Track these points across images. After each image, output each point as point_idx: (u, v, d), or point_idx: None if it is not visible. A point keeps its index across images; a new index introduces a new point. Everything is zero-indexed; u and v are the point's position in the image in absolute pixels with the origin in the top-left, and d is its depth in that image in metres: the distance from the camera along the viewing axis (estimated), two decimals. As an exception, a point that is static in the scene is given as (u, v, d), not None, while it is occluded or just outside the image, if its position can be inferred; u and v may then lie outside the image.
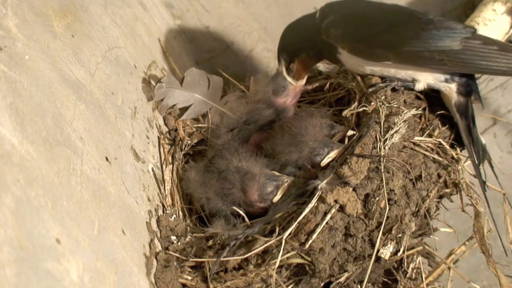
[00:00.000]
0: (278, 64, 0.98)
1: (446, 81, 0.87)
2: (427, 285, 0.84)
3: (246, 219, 0.84)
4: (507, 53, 0.82)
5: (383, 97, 0.87)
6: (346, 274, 0.80)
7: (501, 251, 0.84)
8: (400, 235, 0.81)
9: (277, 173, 0.86)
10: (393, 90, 0.89)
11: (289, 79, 0.95)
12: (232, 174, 0.87)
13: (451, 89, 0.87)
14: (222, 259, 0.79)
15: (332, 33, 0.89)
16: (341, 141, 0.87)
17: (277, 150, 0.89)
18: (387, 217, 0.80)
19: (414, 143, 0.85)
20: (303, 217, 0.79)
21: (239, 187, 0.85)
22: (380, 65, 0.88)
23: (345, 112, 0.90)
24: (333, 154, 0.84)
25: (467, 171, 0.88)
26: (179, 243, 0.84)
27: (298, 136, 0.86)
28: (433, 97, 0.91)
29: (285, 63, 0.95)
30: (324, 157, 0.84)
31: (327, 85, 1.03)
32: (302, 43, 0.95)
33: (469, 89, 0.87)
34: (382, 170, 0.80)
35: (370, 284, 0.83)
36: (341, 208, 0.79)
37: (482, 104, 0.89)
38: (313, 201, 0.79)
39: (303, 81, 0.97)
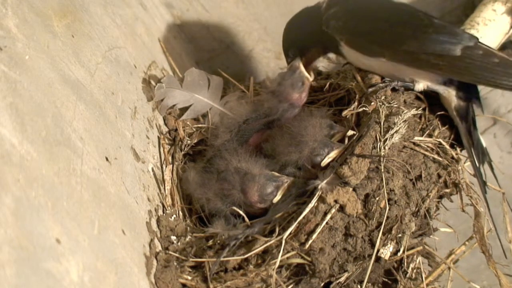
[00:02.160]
0: (287, 59, 0.99)
1: (445, 84, 0.86)
2: (427, 285, 0.85)
3: (246, 219, 0.84)
4: (507, 67, 0.82)
5: (383, 97, 0.87)
6: (346, 274, 0.80)
7: (501, 251, 0.84)
8: (400, 235, 0.81)
9: (276, 174, 0.86)
10: (393, 90, 0.89)
11: (306, 74, 0.96)
12: (232, 175, 0.86)
13: (450, 93, 0.87)
14: (222, 259, 0.79)
15: (332, 25, 0.89)
16: (341, 141, 0.87)
17: (277, 151, 0.89)
18: (387, 217, 0.80)
19: (414, 143, 0.85)
20: (303, 217, 0.79)
21: (239, 188, 0.85)
22: (378, 62, 0.88)
23: (345, 112, 0.90)
24: (333, 154, 0.84)
25: (467, 171, 0.88)
26: (179, 243, 0.84)
27: (298, 136, 0.86)
28: (433, 97, 0.91)
29: (299, 58, 0.96)
30: (324, 157, 0.84)
31: (327, 85, 1.03)
32: (311, 37, 0.95)
33: (469, 94, 0.87)
34: (382, 170, 0.80)
35: (370, 284, 0.83)
36: (341, 208, 0.79)
37: (483, 110, 0.89)
38: (313, 201, 0.79)
39: (313, 76, 0.98)
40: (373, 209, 0.79)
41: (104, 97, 0.82)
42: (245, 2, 1.23)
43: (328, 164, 0.83)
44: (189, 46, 1.29)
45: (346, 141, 0.86)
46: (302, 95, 0.96)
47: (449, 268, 0.86)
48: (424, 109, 0.89)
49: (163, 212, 0.88)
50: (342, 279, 0.80)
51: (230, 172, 0.87)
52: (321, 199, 0.79)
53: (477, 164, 0.85)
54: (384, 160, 0.80)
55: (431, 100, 0.91)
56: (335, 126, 0.88)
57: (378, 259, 0.81)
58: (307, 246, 0.78)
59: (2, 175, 0.53)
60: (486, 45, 0.85)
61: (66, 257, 0.57)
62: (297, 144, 0.86)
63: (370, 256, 0.80)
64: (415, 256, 0.85)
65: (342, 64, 1.05)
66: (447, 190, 0.87)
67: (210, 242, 0.84)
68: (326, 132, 0.87)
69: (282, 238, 0.78)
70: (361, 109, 0.88)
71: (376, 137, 0.82)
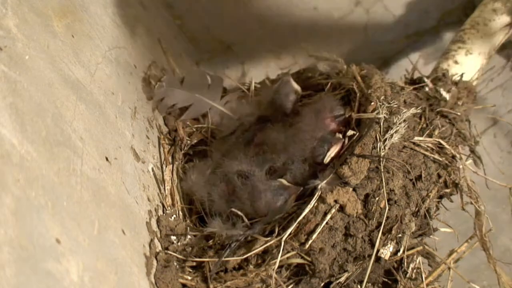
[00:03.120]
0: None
1: None
2: (427, 285, 0.84)
3: (246, 220, 0.84)
4: None
5: (382, 97, 0.87)
6: (346, 274, 0.80)
7: (501, 251, 0.84)
8: (400, 235, 0.81)
9: (284, 183, 0.85)
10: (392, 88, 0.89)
11: (296, 86, 0.98)
12: (237, 179, 0.86)
13: None
14: (223, 259, 0.79)
15: None
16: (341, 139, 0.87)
17: (278, 149, 0.89)
18: (387, 217, 0.80)
19: (414, 143, 0.85)
20: (303, 217, 0.79)
21: (248, 203, 0.85)
22: None
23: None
24: (333, 150, 0.84)
25: (469, 168, 0.88)
26: (179, 243, 0.84)
27: (299, 134, 0.87)
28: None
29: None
30: (326, 155, 0.84)
31: (328, 85, 1.03)
32: None
33: None
34: (382, 170, 0.80)
35: (370, 284, 0.83)
36: (341, 208, 0.79)
37: None
38: (313, 201, 0.79)
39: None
40: (373, 209, 0.79)
41: (104, 97, 0.82)
42: (245, 2, 1.23)
43: (331, 161, 0.83)
44: (189, 46, 1.30)
45: (346, 141, 0.86)
46: (294, 105, 0.99)
47: (449, 268, 0.85)
48: (424, 109, 0.89)
49: (163, 212, 0.88)
50: (342, 279, 0.80)
51: (234, 174, 0.87)
52: (321, 199, 0.79)
53: None
54: (384, 160, 0.80)
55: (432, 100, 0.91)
56: (329, 139, 0.88)
57: (378, 259, 0.81)
58: (307, 246, 0.78)
59: (2, 175, 0.53)
60: None
61: (66, 257, 0.57)
62: (298, 142, 0.86)
63: (370, 256, 0.80)
64: (415, 256, 0.85)
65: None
66: (447, 190, 0.87)
67: (210, 242, 0.84)
68: (320, 152, 0.87)
69: (282, 238, 0.78)
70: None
71: (376, 137, 0.82)
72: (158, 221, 0.85)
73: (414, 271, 0.85)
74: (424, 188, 0.84)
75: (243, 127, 0.97)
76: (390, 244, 0.81)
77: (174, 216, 0.87)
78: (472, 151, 0.91)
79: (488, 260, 0.82)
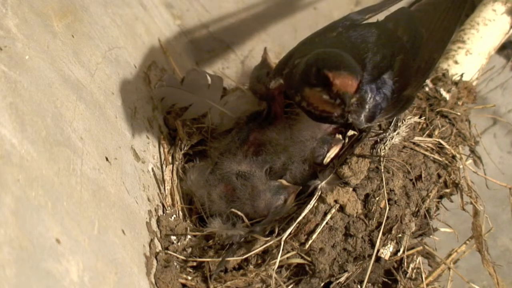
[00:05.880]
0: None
1: None
2: (427, 285, 0.84)
3: (246, 220, 0.84)
4: None
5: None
6: (346, 274, 0.80)
7: (501, 251, 0.84)
8: (400, 235, 0.81)
9: (284, 183, 0.85)
10: None
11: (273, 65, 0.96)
12: (236, 179, 0.86)
13: None
14: (227, 258, 0.79)
15: None
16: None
17: (278, 150, 0.89)
18: (387, 217, 0.80)
19: (414, 143, 0.85)
20: (303, 217, 0.79)
21: (248, 204, 0.85)
22: None
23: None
24: (333, 151, 0.84)
25: (469, 168, 0.88)
26: (179, 243, 0.84)
27: (299, 135, 0.86)
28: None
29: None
30: (325, 155, 0.84)
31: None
32: None
33: None
34: (382, 170, 0.80)
35: (370, 284, 0.83)
36: (341, 208, 0.79)
37: None
38: (313, 201, 0.79)
39: None
40: (373, 209, 0.79)
41: (104, 97, 0.82)
42: (245, 2, 1.23)
43: (330, 162, 0.83)
44: (189, 46, 1.30)
45: (347, 140, 0.86)
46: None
47: (449, 268, 0.85)
48: (424, 109, 0.89)
49: (163, 212, 0.88)
50: (342, 279, 0.80)
51: (233, 175, 0.87)
52: (321, 199, 0.79)
53: None
54: (384, 160, 0.80)
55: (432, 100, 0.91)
56: (328, 140, 0.87)
57: (378, 259, 0.81)
58: (307, 246, 0.78)
59: (2, 175, 0.53)
60: None
61: (66, 257, 0.57)
62: (298, 142, 0.86)
63: (370, 256, 0.80)
64: (415, 256, 0.85)
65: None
66: (447, 190, 0.87)
67: (210, 242, 0.84)
68: (320, 152, 0.86)
69: (282, 238, 0.78)
70: None
71: (376, 138, 0.82)
72: (158, 221, 0.85)
73: (414, 271, 0.85)
74: (424, 188, 0.84)
75: (239, 126, 0.97)
76: (390, 244, 0.81)
77: (174, 216, 0.87)
78: (472, 151, 0.91)
79: (483, 262, 0.82)
